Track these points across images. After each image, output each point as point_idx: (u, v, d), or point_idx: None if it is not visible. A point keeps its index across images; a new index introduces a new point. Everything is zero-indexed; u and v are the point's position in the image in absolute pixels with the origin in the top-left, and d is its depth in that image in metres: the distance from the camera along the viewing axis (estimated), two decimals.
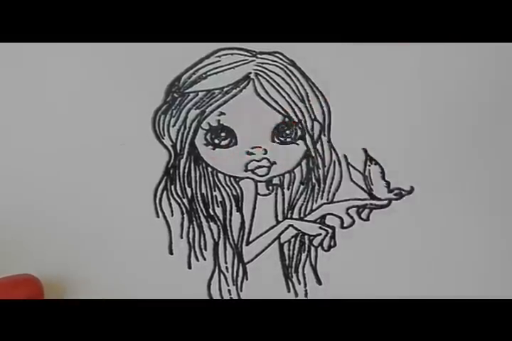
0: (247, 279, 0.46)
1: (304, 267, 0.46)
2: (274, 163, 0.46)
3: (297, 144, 0.46)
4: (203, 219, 0.46)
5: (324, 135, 0.46)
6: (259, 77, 0.45)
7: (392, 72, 0.46)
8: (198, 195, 0.46)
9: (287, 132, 0.46)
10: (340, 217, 0.46)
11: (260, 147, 0.46)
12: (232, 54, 0.46)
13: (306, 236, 0.46)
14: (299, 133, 0.46)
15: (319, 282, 0.46)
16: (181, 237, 0.45)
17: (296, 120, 0.46)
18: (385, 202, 0.46)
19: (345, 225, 0.46)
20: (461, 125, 0.46)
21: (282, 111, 0.45)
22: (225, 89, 0.46)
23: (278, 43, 0.45)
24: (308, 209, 0.46)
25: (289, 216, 0.46)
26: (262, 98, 0.45)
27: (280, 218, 0.46)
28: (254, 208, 0.46)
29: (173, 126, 0.46)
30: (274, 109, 0.45)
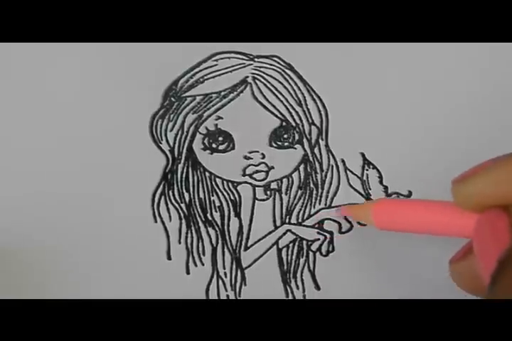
0: (245, 284, 0.45)
1: (302, 272, 0.46)
2: (272, 167, 0.46)
3: (295, 148, 0.46)
4: (201, 225, 0.45)
5: (322, 139, 0.46)
6: (257, 81, 0.45)
7: (392, 75, 0.46)
8: (196, 200, 0.46)
9: (285, 136, 0.45)
10: (338, 222, 0.46)
11: (258, 151, 0.46)
12: (229, 58, 0.46)
13: (304, 242, 0.46)
14: (297, 137, 0.46)
15: (318, 287, 0.46)
16: (179, 242, 0.45)
17: (294, 124, 0.46)
18: None
19: (343, 230, 0.46)
20: (461, 129, 0.46)
21: (280, 115, 0.45)
22: (223, 93, 0.45)
23: (276, 43, 0.45)
24: (307, 214, 0.46)
25: (287, 221, 0.46)
26: (260, 102, 0.45)
27: (278, 223, 0.46)
28: (252, 213, 0.46)
29: (171, 130, 0.45)
30: (272, 113, 0.45)
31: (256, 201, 0.46)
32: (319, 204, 0.46)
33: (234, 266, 0.45)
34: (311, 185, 0.46)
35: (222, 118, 0.45)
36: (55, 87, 0.45)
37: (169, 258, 0.45)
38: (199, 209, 0.46)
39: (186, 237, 0.45)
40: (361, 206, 0.44)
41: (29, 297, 0.44)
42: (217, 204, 0.46)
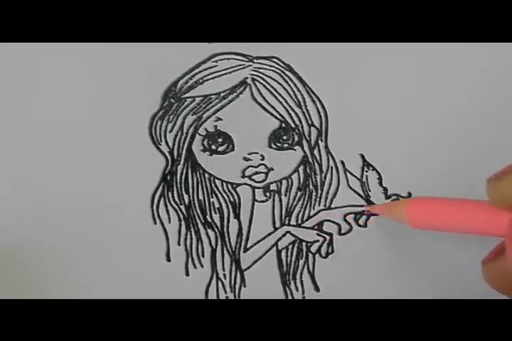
0: (244, 286, 0.45)
1: (301, 274, 0.46)
2: (272, 169, 0.46)
3: (294, 150, 0.46)
4: (200, 226, 0.45)
5: (321, 140, 0.46)
6: (256, 82, 0.45)
7: (391, 76, 0.46)
8: (196, 201, 0.46)
9: (284, 138, 0.45)
10: (337, 224, 0.46)
11: (257, 153, 0.45)
12: (228, 59, 0.46)
13: (303, 243, 0.46)
14: (296, 138, 0.46)
15: (317, 289, 0.46)
16: (179, 244, 0.45)
17: (293, 125, 0.45)
18: None
19: (342, 232, 0.46)
20: (461, 130, 0.46)
21: (279, 117, 0.45)
22: (222, 95, 0.45)
23: (275, 43, 0.45)
24: (306, 215, 0.46)
25: (286, 222, 0.46)
26: (259, 103, 0.45)
27: (278, 225, 0.46)
28: (251, 215, 0.46)
29: (170, 131, 0.45)
30: (271, 114, 0.45)
31: (255, 202, 0.46)
32: (319, 205, 0.46)
33: (233, 268, 0.45)
34: (311, 187, 0.46)
35: (221, 119, 0.45)
36: (55, 87, 0.45)
37: (168, 259, 0.45)
38: (198, 211, 0.45)
39: (186, 239, 0.45)
40: (395, 204, 0.44)
41: (29, 297, 0.44)
42: (217, 205, 0.46)
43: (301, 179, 0.46)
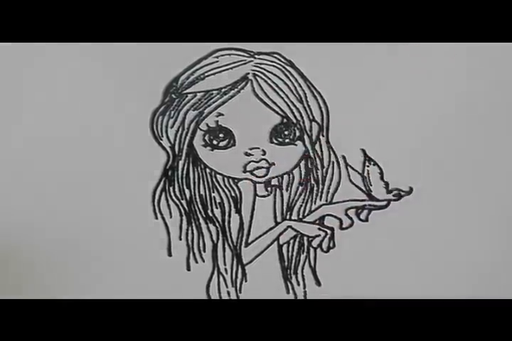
0: (246, 281, 0.45)
1: (303, 268, 0.46)
2: (273, 164, 0.46)
3: (296, 145, 0.46)
4: (201, 221, 0.45)
5: (323, 135, 0.46)
6: (257, 78, 0.45)
7: (391, 72, 0.46)
8: (197, 196, 0.46)
9: (286, 133, 0.45)
10: (339, 218, 0.46)
11: (259, 148, 0.45)
12: (230, 55, 0.45)
13: (305, 238, 0.46)
14: (298, 133, 0.46)
15: (318, 283, 0.46)
16: (180, 239, 0.45)
17: (295, 121, 0.45)
18: (384, 202, 0.46)
19: (344, 226, 0.46)
20: (460, 125, 0.46)
21: (280, 112, 0.45)
22: (223, 90, 0.45)
23: (276, 43, 0.45)
24: (307, 210, 0.46)
25: (287, 217, 0.46)
26: (260, 99, 0.45)
27: (279, 219, 0.46)
28: (253, 209, 0.46)
29: (172, 127, 0.46)
30: (272, 109, 0.45)
31: (257, 197, 0.46)
32: (320, 200, 0.46)
33: (234, 262, 0.45)
34: (312, 181, 0.46)
35: (222, 114, 0.45)
36: (59, 85, 0.45)
37: (170, 254, 0.45)
38: (200, 206, 0.45)
39: (187, 234, 0.45)
40: None
41: (29, 297, 0.44)
42: (218, 200, 0.46)
43: (303, 174, 0.46)
